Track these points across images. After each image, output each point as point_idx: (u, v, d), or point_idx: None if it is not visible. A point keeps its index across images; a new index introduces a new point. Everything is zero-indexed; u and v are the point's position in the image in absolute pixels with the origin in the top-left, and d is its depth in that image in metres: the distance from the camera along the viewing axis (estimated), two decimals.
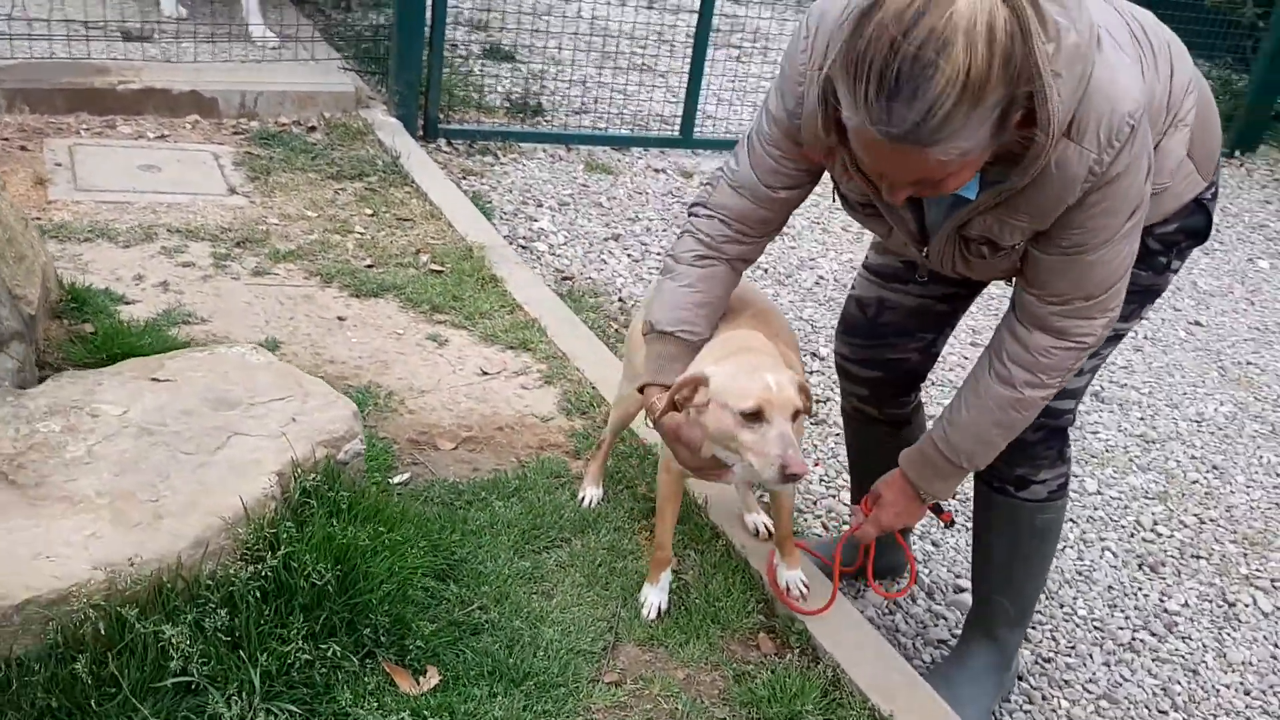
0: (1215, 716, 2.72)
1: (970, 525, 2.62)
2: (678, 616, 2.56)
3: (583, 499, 2.88)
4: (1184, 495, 3.64)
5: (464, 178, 5.25)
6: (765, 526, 2.82)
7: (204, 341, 3.27)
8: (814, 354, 4.18)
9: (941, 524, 2.53)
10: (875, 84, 1.58)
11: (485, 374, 3.45)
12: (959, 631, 2.87)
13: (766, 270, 4.83)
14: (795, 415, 2.14)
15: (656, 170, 5.85)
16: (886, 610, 2.92)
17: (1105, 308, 2.01)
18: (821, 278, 4.87)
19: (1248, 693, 2.82)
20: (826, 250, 5.18)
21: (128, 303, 3.47)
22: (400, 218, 4.47)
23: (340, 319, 3.64)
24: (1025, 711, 2.66)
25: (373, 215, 4.45)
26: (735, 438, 2.12)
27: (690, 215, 2.30)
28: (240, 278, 3.77)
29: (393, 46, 5.45)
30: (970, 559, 2.69)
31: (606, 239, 4.90)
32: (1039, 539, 2.49)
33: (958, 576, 3.10)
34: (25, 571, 1.96)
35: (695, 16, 6.05)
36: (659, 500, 2.55)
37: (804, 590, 2.58)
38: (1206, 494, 3.67)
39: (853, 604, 2.71)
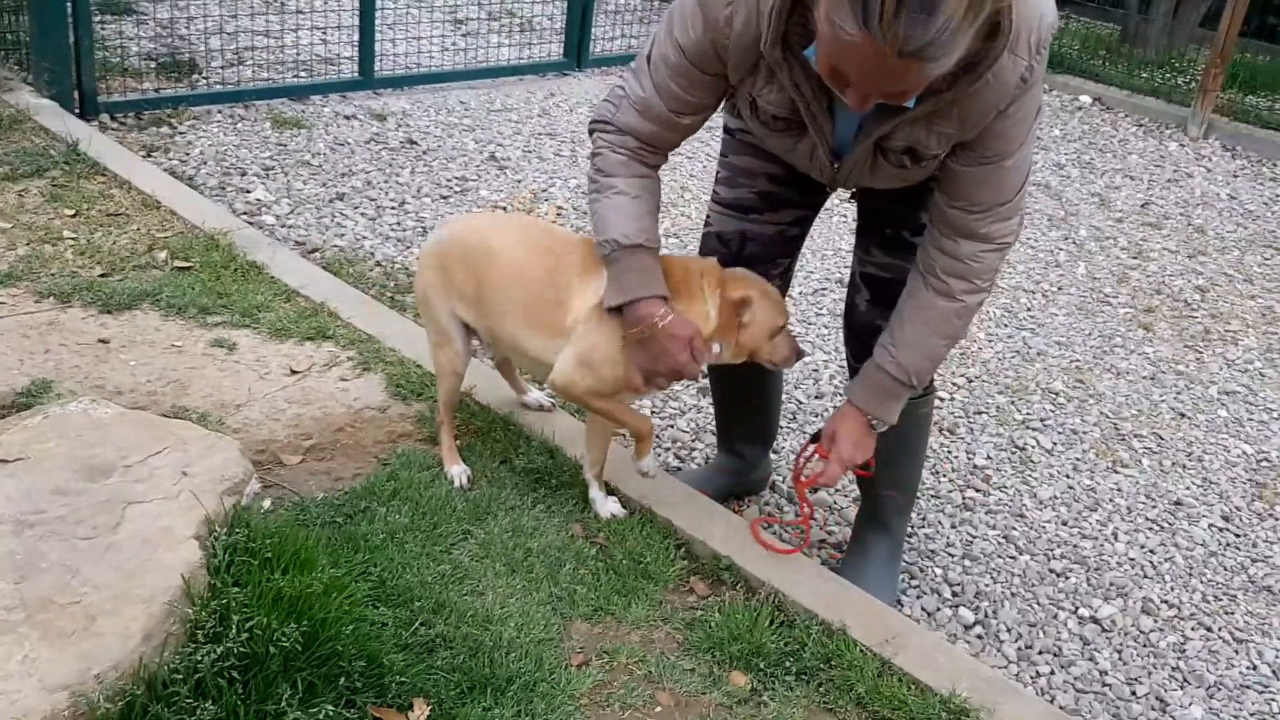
0: (1051, 550, 3.11)
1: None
2: (610, 580, 2.56)
3: (453, 482, 2.79)
4: (946, 360, 4.04)
5: (147, 155, 4.73)
6: (540, 402, 3.07)
7: None
8: None
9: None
10: (894, 3, 1.62)
11: (296, 373, 3.20)
12: (834, 530, 3.08)
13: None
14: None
15: (347, 117, 5.55)
16: (764, 524, 3.07)
17: (1018, 208, 2.20)
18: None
19: (1064, 524, 3.24)
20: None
21: None
22: (109, 213, 3.99)
23: (103, 342, 3.23)
24: (914, 585, 2.92)
25: (75, 215, 3.93)
26: (765, 351, 2.50)
27: (599, 133, 2.32)
28: None
29: (30, 13, 4.74)
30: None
31: (332, 200, 4.62)
32: (919, 430, 2.71)
33: None
34: None
35: None
36: (597, 428, 2.70)
37: (650, 472, 2.72)
38: (963, 355, 4.11)
39: (762, 524, 2.83)
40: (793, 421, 3.55)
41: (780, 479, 3.25)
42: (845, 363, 2.81)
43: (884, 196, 2.40)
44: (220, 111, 5.33)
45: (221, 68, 5.75)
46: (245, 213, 4.36)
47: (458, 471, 2.81)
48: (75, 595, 1.90)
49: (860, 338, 2.59)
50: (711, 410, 3.53)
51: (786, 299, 2.85)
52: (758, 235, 2.60)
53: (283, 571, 2.12)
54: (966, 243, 2.21)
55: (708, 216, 2.69)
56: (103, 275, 3.57)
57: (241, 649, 1.94)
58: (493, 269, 2.57)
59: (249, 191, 4.55)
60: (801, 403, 3.66)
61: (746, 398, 2.92)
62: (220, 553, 2.08)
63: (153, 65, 5.69)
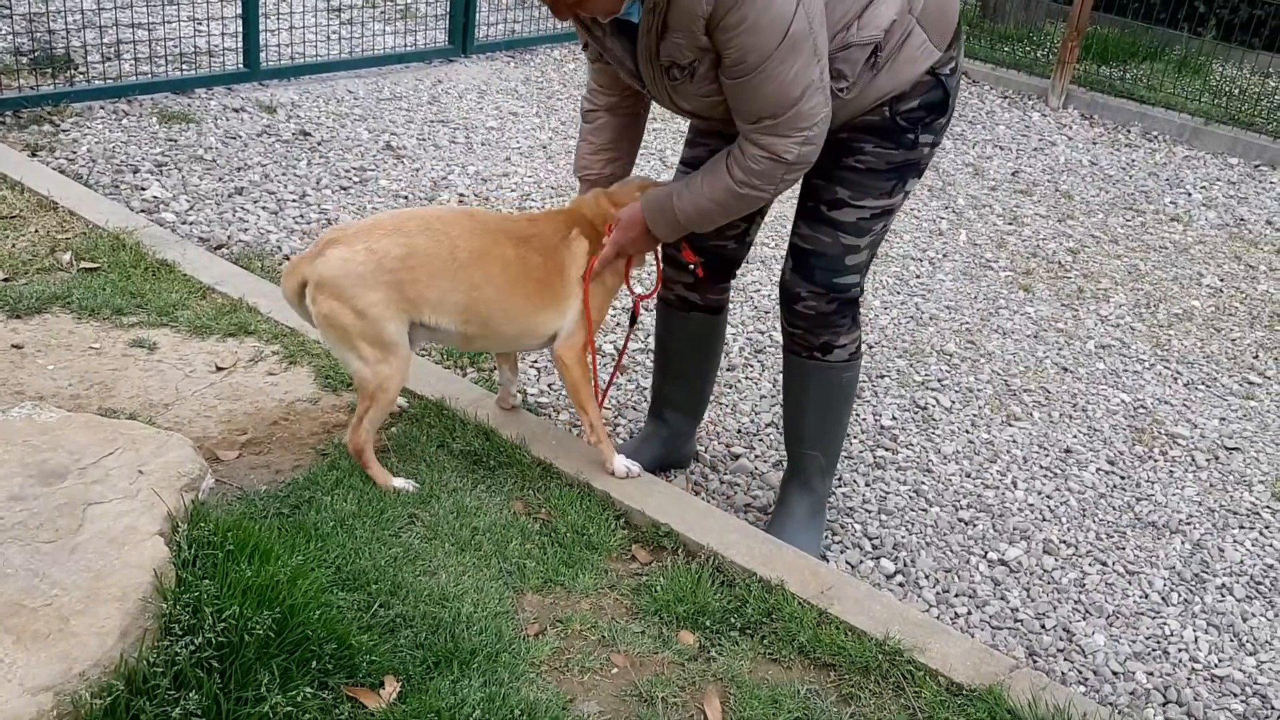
0: (958, 501, 3.33)
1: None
2: (556, 552, 2.66)
3: (404, 490, 2.79)
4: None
5: (33, 154, 4.61)
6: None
7: None
8: None
9: (692, 269, 2.86)
10: None
11: (221, 370, 3.21)
12: (757, 494, 3.23)
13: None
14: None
15: (235, 110, 5.47)
16: (693, 493, 3.20)
17: (794, 127, 2.36)
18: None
19: (968, 476, 3.46)
20: None
21: None
22: (3, 216, 3.89)
23: (16, 347, 3.18)
24: (837, 542, 3.09)
25: None
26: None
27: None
28: None
29: None
30: (781, 423, 3.04)
31: (231, 195, 4.58)
32: (843, 395, 2.88)
33: (729, 446, 3.45)
34: None
35: None
36: (583, 386, 2.85)
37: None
38: (863, 322, 4.30)
39: (691, 494, 2.96)
40: None
41: (703, 449, 3.39)
42: (778, 335, 2.96)
43: (813, 171, 2.57)
44: (103, 107, 5.21)
45: (100, 62, 5.60)
46: (143, 210, 4.29)
47: (403, 482, 2.81)
48: (45, 598, 1.92)
49: (787, 304, 2.75)
50: (630, 387, 3.65)
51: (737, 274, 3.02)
52: None
53: (248, 562, 2.17)
54: (749, 146, 2.43)
55: (674, 177, 2.81)
56: (5, 280, 3.50)
57: (219, 639, 1.99)
58: (474, 267, 2.65)
59: (144, 189, 4.48)
60: None
61: (693, 348, 3.05)
62: (185, 547, 2.12)
63: (24, 62, 5.51)
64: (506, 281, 2.70)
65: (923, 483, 3.39)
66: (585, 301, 2.77)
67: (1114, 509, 3.38)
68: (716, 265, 2.88)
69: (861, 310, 4.28)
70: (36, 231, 3.82)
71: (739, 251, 2.89)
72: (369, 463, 2.77)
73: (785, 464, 3.03)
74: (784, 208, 4.75)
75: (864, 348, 4.12)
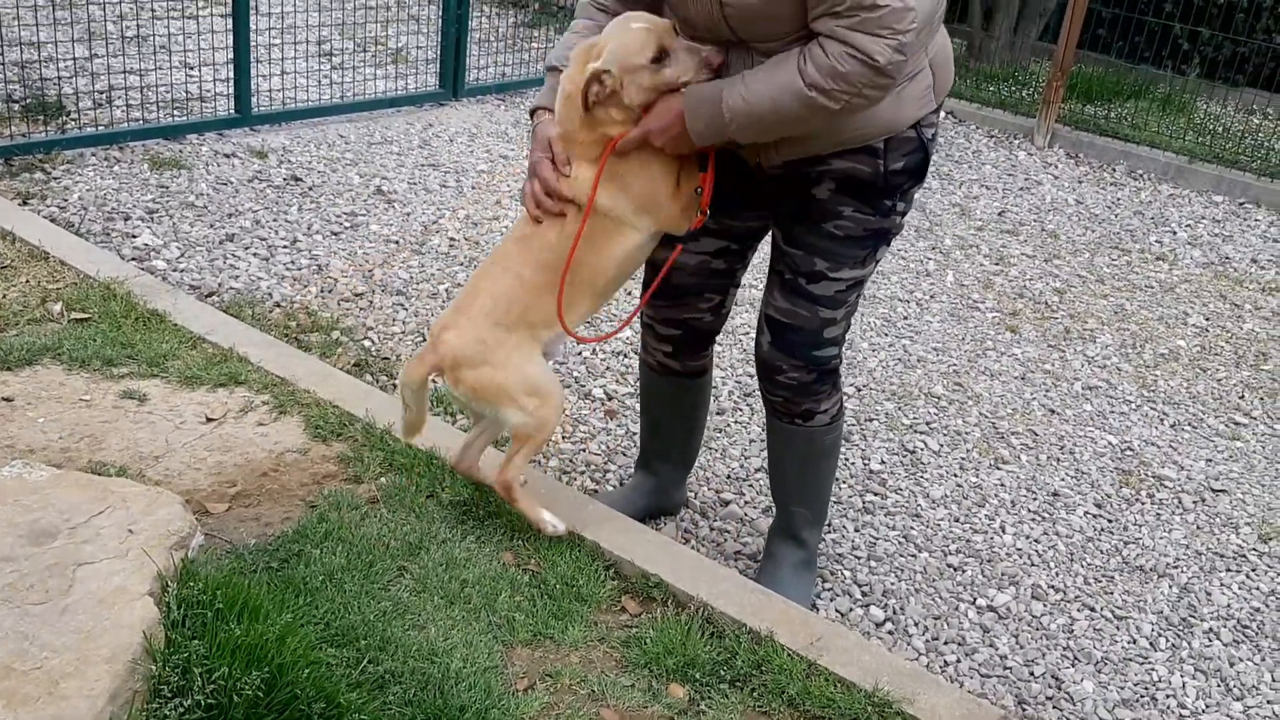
0: (947, 546, 3.34)
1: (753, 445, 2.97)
2: (545, 605, 2.67)
3: (556, 529, 2.81)
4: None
5: (24, 203, 4.63)
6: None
7: None
8: None
9: (700, 211, 2.60)
10: None
11: (212, 421, 3.22)
12: (747, 541, 3.25)
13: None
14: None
15: (227, 156, 5.51)
16: (682, 540, 3.21)
17: (889, 25, 2.15)
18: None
19: (956, 520, 3.47)
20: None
21: None
22: None
23: (6, 400, 3.19)
24: (827, 589, 3.10)
25: None
26: (659, 82, 2.36)
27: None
28: None
29: None
30: (764, 479, 3.05)
31: (222, 241, 4.60)
32: (826, 455, 2.89)
33: (719, 492, 3.46)
34: None
35: None
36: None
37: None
38: (851, 365, 4.33)
39: (679, 543, 2.97)
40: None
41: (693, 494, 3.41)
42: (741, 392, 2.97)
43: (793, 229, 2.57)
44: (94, 154, 5.24)
45: (91, 109, 5.64)
46: (134, 258, 4.31)
47: (550, 517, 2.82)
48: (36, 661, 1.93)
49: (766, 375, 2.76)
50: (619, 433, 3.67)
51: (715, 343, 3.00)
52: (682, 265, 2.74)
53: (237, 621, 2.18)
54: (833, 44, 2.20)
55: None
56: None
57: (208, 700, 1.99)
58: (552, 270, 2.59)
59: (135, 236, 4.51)
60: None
61: (677, 409, 3.05)
62: (174, 607, 2.13)
63: (16, 109, 5.55)
64: (560, 248, 2.57)
65: (912, 527, 3.40)
66: (595, 182, 2.50)
67: (1102, 553, 3.39)
68: (692, 338, 2.89)
69: (846, 360, 4.34)
70: (27, 282, 3.83)
71: (715, 323, 2.89)
72: (515, 499, 2.78)
73: (774, 514, 3.04)
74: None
75: (854, 390, 4.14)
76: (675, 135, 2.42)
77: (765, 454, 3.44)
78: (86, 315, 3.65)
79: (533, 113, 2.63)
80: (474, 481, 2.96)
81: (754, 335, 4.38)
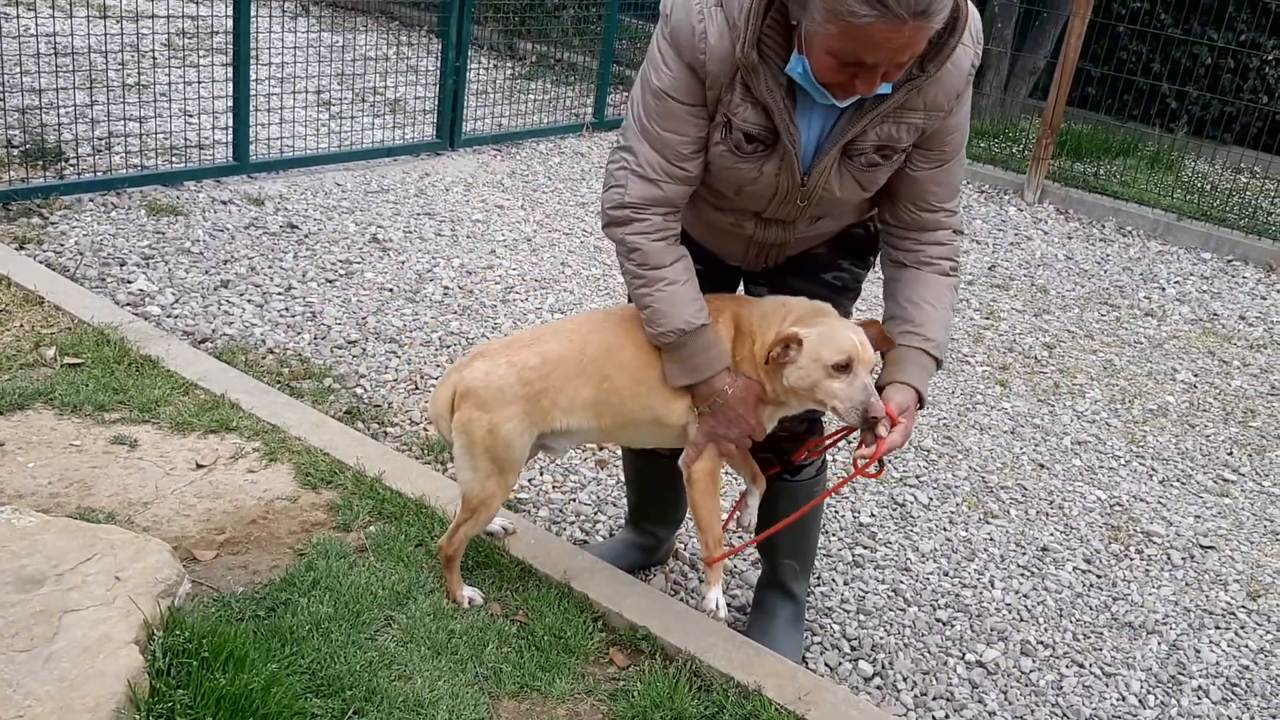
0: (936, 601, 3.34)
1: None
2: (533, 656, 2.66)
3: (472, 602, 2.80)
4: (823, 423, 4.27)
5: (20, 247, 4.66)
6: (504, 527, 3.01)
7: None
8: None
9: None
10: None
11: (202, 467, 3.22)
12: (736, 593, 3.24)
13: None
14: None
15: (224, 203, 5.55)
16: (671, 592, 3.20)
17: (959, 200, 2.48)
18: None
19: (946, 574, 3.47)
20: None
21: None
22: None
23: None
24: (817, 642, 3.09)
25: None
26: (822, 388, 2.36)
27: (626, 226, 2.39)
28: None
29: None
30: (755, 533, 3.05)
31: (217, 288, 4.62)
32: (813, 508, 2.89)
33: None
34: None
35: (165, 22, 5.76)
36: (705, 503, 2.61)
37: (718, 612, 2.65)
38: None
39: (668, 595, 2.97)
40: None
41: (682, 546, 3.40)
42: None
43: (790, 281, 2.60)
44: (92, 200, 5.28)
45: (90, 155, 5.69)
46: (129, 304, 4.33)
47: (472, 591, 2.82)
48: (19, 709, 1.92)
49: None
50: (610, 482, 3.67)
51: None
52: None
53: (222, 670, 2.17)
54: (942, 233, 2.46)
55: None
56: None
57: None
58: (605, 359, 2.56)
59: (130, 282, 4.53)
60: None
61: (662, 479, 3.05)
62: (160, 656, 2.12)
63: (16, 154, 5.59)
64: (639, 366, 2.54)
65: (901, 581, 3.40)
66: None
67: (1091, 609, 3.39)
68: None
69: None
70: (21, 326, 3.85)
71: None
72: (451, 570, 2.78)
73: (761, 566, 3.04)
74: None
75: (845, 442, 4.15)
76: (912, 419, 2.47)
77: None
78: (79, 360, 3.66)
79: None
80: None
81: None
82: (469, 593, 2.80)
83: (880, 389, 2.42)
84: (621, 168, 2.37)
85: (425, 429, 3.83)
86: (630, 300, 2.57)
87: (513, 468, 2.63)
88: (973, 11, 2.20)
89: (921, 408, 2.49)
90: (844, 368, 2.35)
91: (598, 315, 2.73)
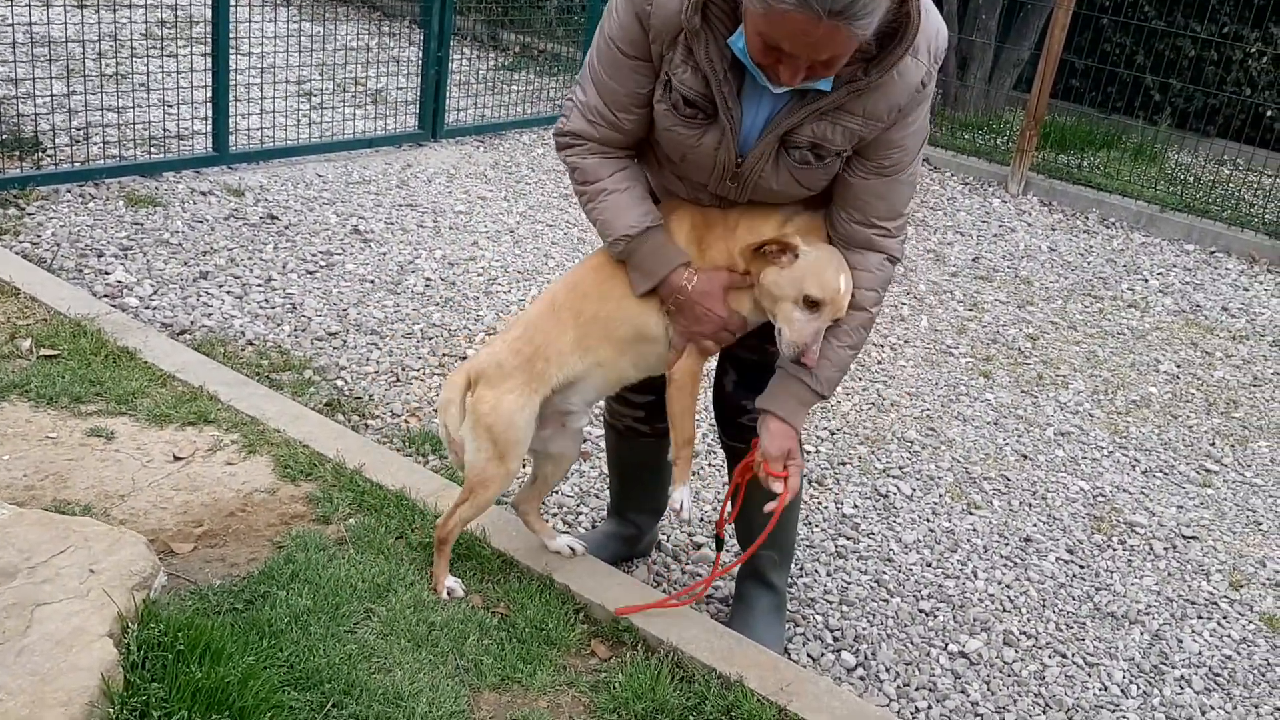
0: (919, 591, 3.33)
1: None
2: (514, 648, 2.64)
3: (453, 593, 2.77)
4: (810, 414, 4.26)
5: None
6: (571, 548, 2.95)
7: None
8: None
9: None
10: None
11: (179, 460, 3.19)
12: (717, 585, 3.23)
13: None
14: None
15: (203, 194, 5.50)
16: (654, 583, 3.19)
17: (903, 226, 2.43)
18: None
19: (929, 565, 3.47)
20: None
21: None
22: None
23: None
24: (799, 633, 3.08)
25: None
26: (784, 310, 2.36)
27: (566, 149, 2.46)
28: None
29: None
30: (734, 524, 3.03)
31: (196, 279, 4.58)
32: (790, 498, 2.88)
33: (691, 536, 3.44)
34: None
35: (152, 12, 5.71)
36: (680, 399, 2.57)
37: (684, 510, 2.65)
38: (825, 410, 4.34)
39: (650, 586, 2.95)
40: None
41: (665, 538, 3.39)
42: (716, 434, 2.95)
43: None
44: (70, 191, 5.22)
45: (68, 145, 5.63)
46: (106, 295, 4.29)
47: (454, 582, 2.79)
48: None
49: (730, 418, 2.75)
50: (593, 474, 3.65)
51: None
52: None
53: (198, 663, 2.14)
54: (872, 255, 2.40)
55: None
56: None
57: None
58: (578, 299, 2.57)
59: (108, 273, 4.48)
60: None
61: (647, 466, 3.04)
62: (135, 649, 2.09)
63: None
64: (603, 286, 2.55)
65: (884, 572, 3.40)
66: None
67: (1073, 599, 3.39)
68: (660, 400, 2.87)
69: (820, 404, 4.33)
70: None
71: None
72: (441, 555, 2.77)
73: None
74: None
75: (828, 434, 4.15)
76: (794, 445, 2.51)
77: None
78: (56, 352, 3.62)
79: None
80: (525, 523, 2.96)
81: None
82: (451, 583, 2.78)
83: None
84: (570, 99, 2.45)
85: (406, 421, 3.81)
86: None
87: (513, 450, 2.62)
88: (938, 31, 2.20)
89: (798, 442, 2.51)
90: (814, 305, 2.35)
91: (565, 274, 2.75)
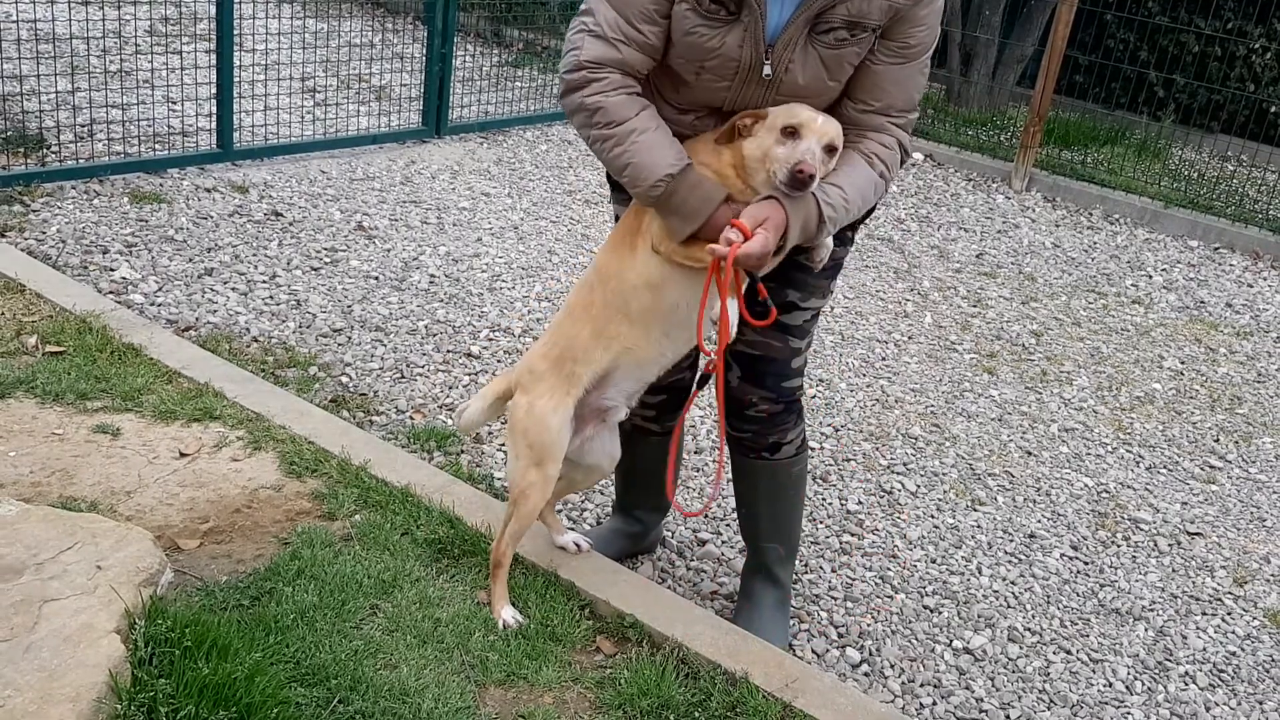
0: (923, 588, 3.33)
1: (723, 493, 2.96)
2: (519, 644, 2.65)
3: (508, 625, 2.70)
4: (812, 411, 4.27)
5: (1, 235, 4.61)
6: (576, 544, 2.96)
7: None
8: None
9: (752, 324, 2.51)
10: None
11: (185, 456, 3.19)
12: (722, 580, 3.23)
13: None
14: (830, 150, 2.36)
15: (208, 190, 5.51)
16: (659, 580, 3.19)
17: (913, 122, 2.48)
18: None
19: (933, 561, 3.47)
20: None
21: None
22: None
23: None
24: (803, 629, 3.08)
25: None
26: (770, 155, 2.31)
27: (583, 89, 2.33)
28: None
29: None
30: (737, 520, 3.04)
31: (200, 276, 4.59)
32: (795, 488, 2.89)
33: (695, 532, 3.45)
34: None
35: (157, 10, 5.71)
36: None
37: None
38: (829, 405, 4.34)
39: (655, 583, 2.96)
40: None
41: (669, 534, 3.39)
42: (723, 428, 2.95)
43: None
44: (74, 187, 5.23)
45: (72, 142, 5.64)
46: (111, 292, 4.29)
47: (511, 614, 2.72)
48: None
49: (734, 411, 2.75)
50: None
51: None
52: None
53: (205, 659, 2.15)
54: (886, 136, 2.43)
55: None
56: None
57: None
58: (586, 291, 2.60)
59: (113, 270, 4.49)
60: (681, 458, 3.81)
61: (650, 463, 3.04)
62: (142, 645, 2.10)
63: None
64: (599, 270, 2.58)
65: (888, 569, 3.40)
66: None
67: (1078, 595, 3.39)
68: (674, 399, 2.88)
69: (824, 400, 4.35)
70: (2, 314, 3.81)
71: (693, 377, 2.89)
72: (497, 579, 2.72)
73: (746, 552, 3.03)
74: None
75: (832, 430, 4.15)
76: (768, 251, 2.32)
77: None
78: (61, 348, 3.63)
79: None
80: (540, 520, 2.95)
81: None
82: (509, 614, 2.70)
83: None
84: (579, 31, 2.35)
85: (411, 418, 3.81)
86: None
87: (549, 454, 2.62)
88: None
89: (784, 247, 2.38)
90: (791, 132, 2.31)
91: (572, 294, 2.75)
